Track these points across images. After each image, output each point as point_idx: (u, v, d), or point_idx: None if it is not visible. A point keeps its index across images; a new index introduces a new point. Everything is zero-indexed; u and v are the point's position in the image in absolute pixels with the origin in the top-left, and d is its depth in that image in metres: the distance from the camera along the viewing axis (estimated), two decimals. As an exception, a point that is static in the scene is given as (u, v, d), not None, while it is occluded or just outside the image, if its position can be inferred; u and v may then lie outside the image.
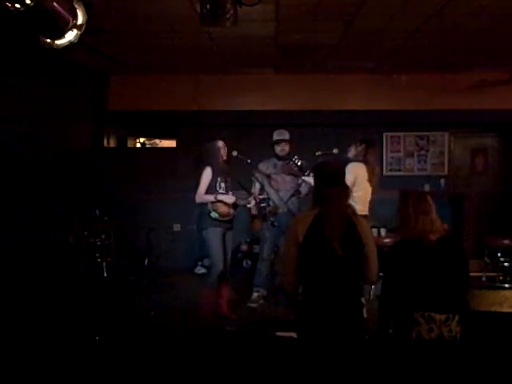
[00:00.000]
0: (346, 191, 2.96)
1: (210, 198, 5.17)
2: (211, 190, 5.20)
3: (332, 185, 2.88)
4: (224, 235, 5.25)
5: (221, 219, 5.17)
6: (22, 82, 5.72)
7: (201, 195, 5.20)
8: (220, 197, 5.16)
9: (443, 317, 2.87)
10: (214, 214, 5.13)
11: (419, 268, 2.94)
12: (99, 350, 4.35)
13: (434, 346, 2.87)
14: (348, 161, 5.08)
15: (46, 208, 6.21)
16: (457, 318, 2.90)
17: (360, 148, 5.07)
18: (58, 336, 4.54)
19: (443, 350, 2.88)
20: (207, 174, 5.21)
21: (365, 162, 5.07)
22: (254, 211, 5.95)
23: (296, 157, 5.71)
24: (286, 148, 5.90)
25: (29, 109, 5.90)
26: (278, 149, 5.93)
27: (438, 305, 2.89)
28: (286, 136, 5.91)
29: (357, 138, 5.27)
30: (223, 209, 5.15)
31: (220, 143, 5.31)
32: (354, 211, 2.94)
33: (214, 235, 5.16)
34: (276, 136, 5.94)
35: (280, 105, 7.92)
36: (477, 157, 8.49)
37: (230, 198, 5.21)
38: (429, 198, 3.05)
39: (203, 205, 5.21)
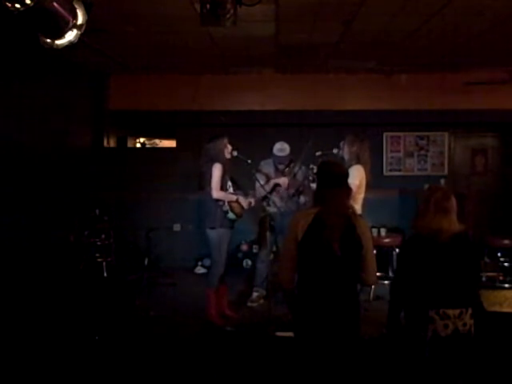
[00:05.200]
0: (347, 192, 2.96)
1: (232, 197, 5.12)
2: (222, 188, 5.13)
3: (334, 186, 2.88)
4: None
5: (235, 219, 5.16)
6: (22, 82, 5.71)
7: (218, 190, 5.08)
8: (240, 199, 5.14)
9: (457, 312, 2.92)
10: (231, 215, 5.08)
11: (433, 265, 2.97)
12: (99, 350, 4.35)
13: (450, 341, 2.90)
14: (343, 161, 5.08)
15: (46, 208, 6.21)
16: (469, 311, 2.95)
17: (353, 149, 5.07)
18: (57, 336, 4.54)
19: (459, 343, 2.92)
20: (219, 170, 5.07)
21: (361, 162, 5.09)
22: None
23: (292, 166, 5.79)
24: (287, 162, 5.88)
25: (29, 109, 5.90)
26: (277, 163, 5.91)
27: (450, 301, 2.93)
28: (287, 152, 5.84)
29: (354, 137, 5.25)
30: (238, 209, 5.12)
31: (226, 140, 5.25)
32: (354, 212, 2.95)
33: (224, 236, 5.14)
34: (277, 152, 5.86)
35: (280, 105, 7.92)
36: (477, 157, 8.49)
37: (246, 202, 5.19)
38: (452, 198, 3.06)
39: (219, 204, 5.11)
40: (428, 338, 2.89)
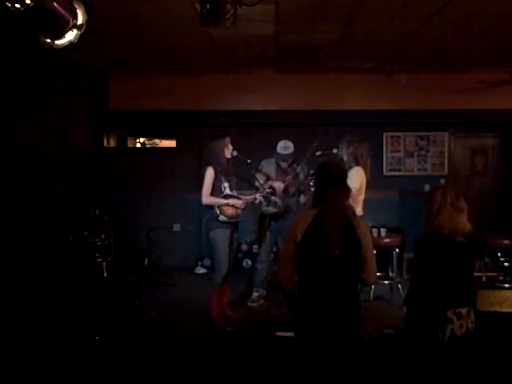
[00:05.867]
0: (346, 192, 2.97)
1: (222, 201, 5.10)
2: (216, 190, 5.13)
3: (333, 186, 2.88)
4: (231, 237, 5.22)
5: (230, 221, 5.15)
6: (22, 82, 5.71)
7: (207, 196, 5.11)
8: (232, 201, 5.11)
9: (465, 310, 2.96)
10: (222, 218, 5.08)
11: (451, 264, 2.99)
12: (99, 350, 4.35)
13: (464, 340, 2.93)
14: (342, 162, 5.09)
15: (46, 208, 6.21)
16: (473, 309, 3.00)
17: (351, 150, 5.08)
18: (58, 336, 4.54)
19: (470, 342, 2.96)
20: (210, 175, 5.11)
21: (359, 163, 5.09)
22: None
23: (295, 165, 5.80)
24: (290, 160, 5.88)
25: (29, 109, 5.90)
26: (280, 162, 5.89)
27: (462, 299, 2.97)
28: (291, 150, 5.82)
29: (352, 138, 5.26)
30: (230, 211, 5.10)
31: (227, 139, 5.24)
32: (353, 212, 2.95)
33: (222, 237, 5.12)
34: (280, 150, 5.83)
35: (280, 105, 7.92)
36: (477, 157, 8.50)
37: (239, 203, 5.16)
38: (463, 198, 3.09)
39: (211, 208, 5.13)
40: (446, 339, 2.90)
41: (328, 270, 2.80)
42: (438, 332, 2.92)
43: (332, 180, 2.91)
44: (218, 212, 5.07)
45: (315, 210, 2.87)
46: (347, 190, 2.99)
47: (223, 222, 5.10)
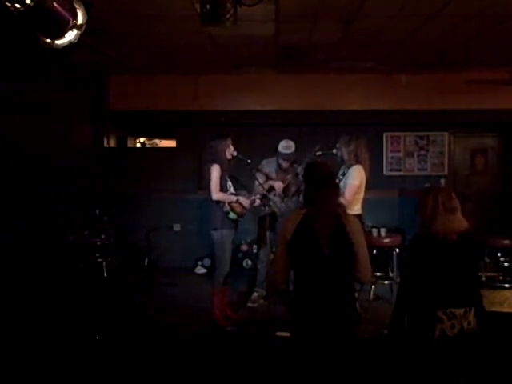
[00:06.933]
0: (336, 191, 2.99)
1: (232, 198, 5.12)
2: (222, 189, 5.14)
3: (323, 186, 2.89)
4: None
5: (237, 219, 5.17)
6: (22, 82, 5.72)
7: (217, 192, 5.09)
8: (241, 199, 5.14)
9: (462, 311, 2.92)
10: (232, 215, 5.10)
11: (442, 265, 2.97)
12: (99, 350, 4.35)
13: (456, 341, 2.90)
14: (342, 161, 5.10)
15: (46, 208, 6.22)
16: (473, 310, 2.96)
17: (351, 148, 5.08)
18: (58, 335, 4.55)
19: (465, 343, 2.93)
20: (217, 171, 5.09)
21: (360, 160, 5.10)
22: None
23: (295, 165, 5.78)
24: (291, 159, 5.88)
25: (29, 109, 5.90)
26: (281, 161, 5.89)
27: (456, 300, 2.94)
28: (293, 149, 5.82)
29: (350, 136, 5.26)
30: (239, 209, 5.12)
31: (229, 140, 5.25)
32: (344, 211, 2.95)
33: (228, 237, 5.14)
34: (282, 149, 5.83)
35: (280, 105, 7.92)
36: (477, 157, 8.50)
37: (247, 202, 5.18)
38: (455, 196, 3.05)
39: (218, 205, 5.14)
40: (436, 338, 2.89)
41: (320, 268, 2.81)
42: (429, 332, 2.91)
43: (320, 180, 2.92)
44: (228, 209, 5.08)
45: (305, 210, 2.88)
46: (336, 189, 3.02)
47: (232, 220, 5.13)
